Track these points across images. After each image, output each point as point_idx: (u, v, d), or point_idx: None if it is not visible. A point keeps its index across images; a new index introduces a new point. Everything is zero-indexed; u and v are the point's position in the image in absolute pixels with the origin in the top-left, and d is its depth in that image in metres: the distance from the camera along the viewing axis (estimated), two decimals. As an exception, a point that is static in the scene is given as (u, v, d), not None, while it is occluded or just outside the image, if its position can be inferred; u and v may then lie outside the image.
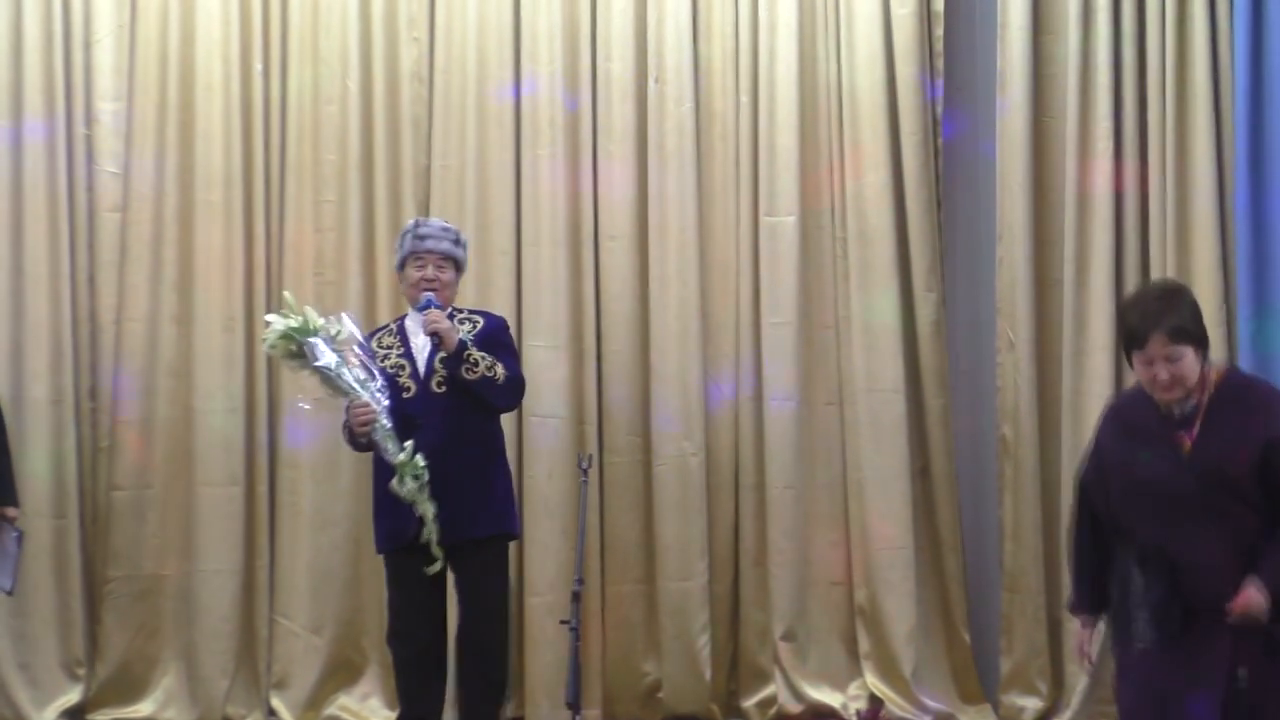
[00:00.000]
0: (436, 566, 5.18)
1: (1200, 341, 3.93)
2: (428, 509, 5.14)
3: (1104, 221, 6.42)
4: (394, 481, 5.12)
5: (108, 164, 6.56)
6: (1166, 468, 3.93)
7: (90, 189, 6.56)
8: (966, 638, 6.54)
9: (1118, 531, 4.05)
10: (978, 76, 6.72)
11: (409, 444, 5.14)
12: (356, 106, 6.59)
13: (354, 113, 6.59)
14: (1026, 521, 6.44)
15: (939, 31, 6.64)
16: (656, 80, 6.62)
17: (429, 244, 5.49)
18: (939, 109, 6.63)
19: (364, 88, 6.61)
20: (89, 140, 6.56)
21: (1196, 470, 3.89)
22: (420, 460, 5.12)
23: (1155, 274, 6.39)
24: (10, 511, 5.91)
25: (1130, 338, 3.94)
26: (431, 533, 5.13)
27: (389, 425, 5.17)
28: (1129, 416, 4.10)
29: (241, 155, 6.56)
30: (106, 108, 6.56)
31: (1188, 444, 3.93)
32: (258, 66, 6.59)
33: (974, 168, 6.72)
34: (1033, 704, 6.39)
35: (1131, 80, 6.43)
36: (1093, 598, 4.17)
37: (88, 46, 6.56)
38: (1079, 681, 6.30)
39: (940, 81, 6.63)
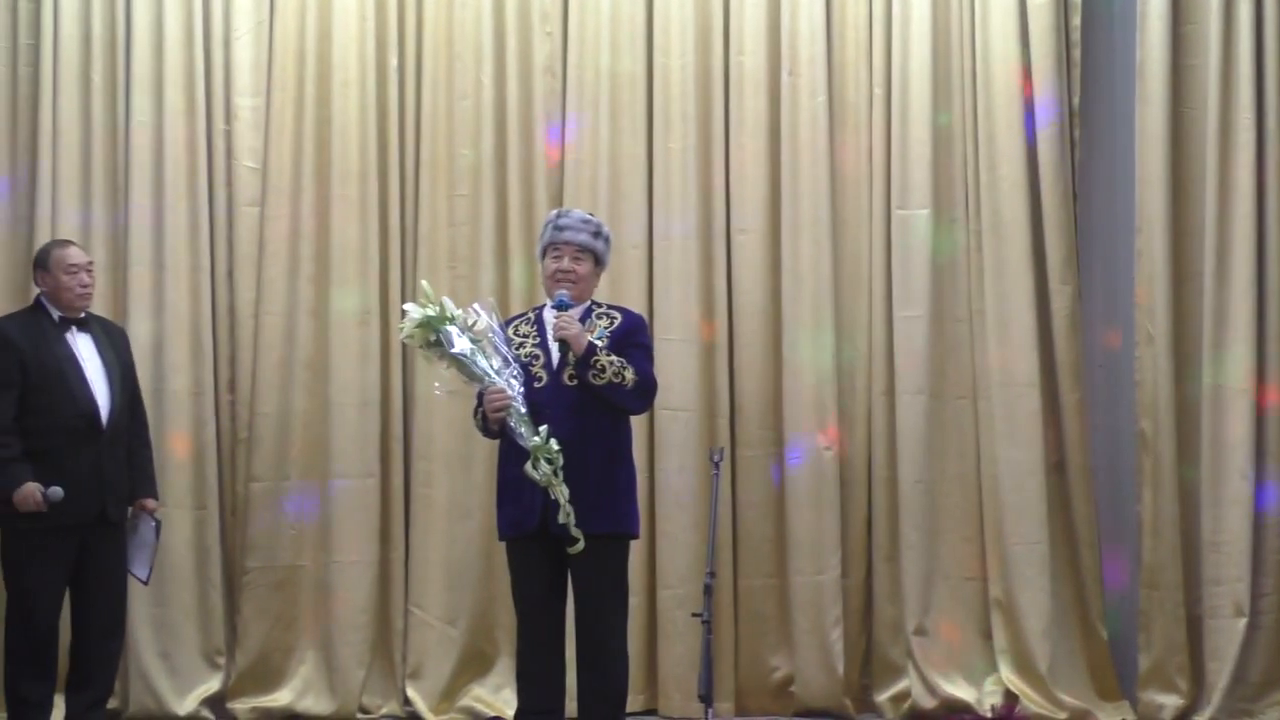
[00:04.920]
0: (580, 546, 5.17)
1: None
2: (562, 493, 5.14)
3: (1245, 213, 6.32)
4: (528, 465, 5.12)
5: (246, 159, 6.63)
6: None
7: (229, 184, 6.63)
8: (1104, 634, 6.47)
9: None
10: (1115, 67, 6.63)
11: (544, 428, 5.15)
12: (490, 101, 6.63)
13: (488, 107, 6.63)
14: (1166, 517, 6.35)
15: (1075, 21, 6.57)
16: (790, 73, 6.60)
17: (567, 235, 5.45)
18: (1075, 100, 6.56)
19: (497, 82, 6.64)
20: (228, 136, 6.63)
21: None
22: (554, 444, 5.13)
23: (1298, 265, 6.32)
24: (149, 503, 5.96)
25: None
26: (569, 515, 5.13)
27: (524, 410, 5.19)
28: None
29: (377, 150, 6.62)
30: (245, 103, 6.63)
31: None
32: (393, 62, 6.64)
33: (1111, 159, 6.64)
34: (1172, 701, 6.31)
35: (1274, 70, 6.32)
36: None
37: (227, 43, 6.63)
38: (1220, 679, 6.22)
39: (1077, 72, 6.56)
